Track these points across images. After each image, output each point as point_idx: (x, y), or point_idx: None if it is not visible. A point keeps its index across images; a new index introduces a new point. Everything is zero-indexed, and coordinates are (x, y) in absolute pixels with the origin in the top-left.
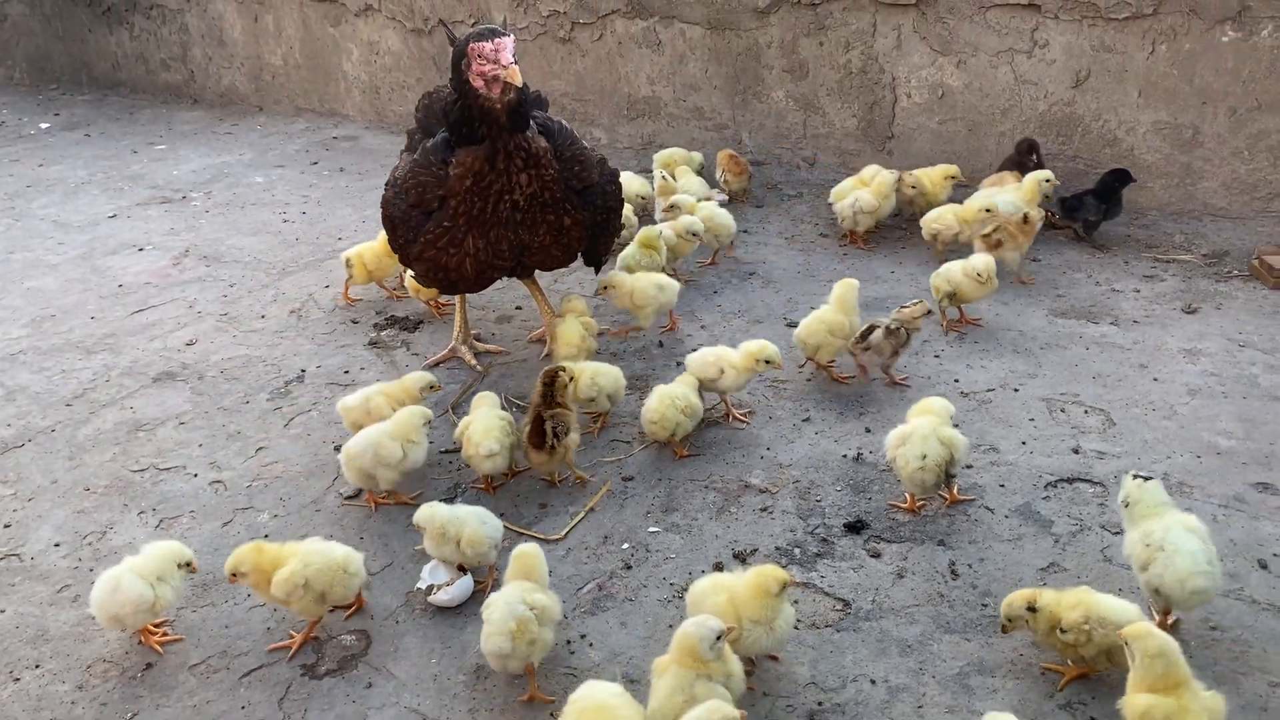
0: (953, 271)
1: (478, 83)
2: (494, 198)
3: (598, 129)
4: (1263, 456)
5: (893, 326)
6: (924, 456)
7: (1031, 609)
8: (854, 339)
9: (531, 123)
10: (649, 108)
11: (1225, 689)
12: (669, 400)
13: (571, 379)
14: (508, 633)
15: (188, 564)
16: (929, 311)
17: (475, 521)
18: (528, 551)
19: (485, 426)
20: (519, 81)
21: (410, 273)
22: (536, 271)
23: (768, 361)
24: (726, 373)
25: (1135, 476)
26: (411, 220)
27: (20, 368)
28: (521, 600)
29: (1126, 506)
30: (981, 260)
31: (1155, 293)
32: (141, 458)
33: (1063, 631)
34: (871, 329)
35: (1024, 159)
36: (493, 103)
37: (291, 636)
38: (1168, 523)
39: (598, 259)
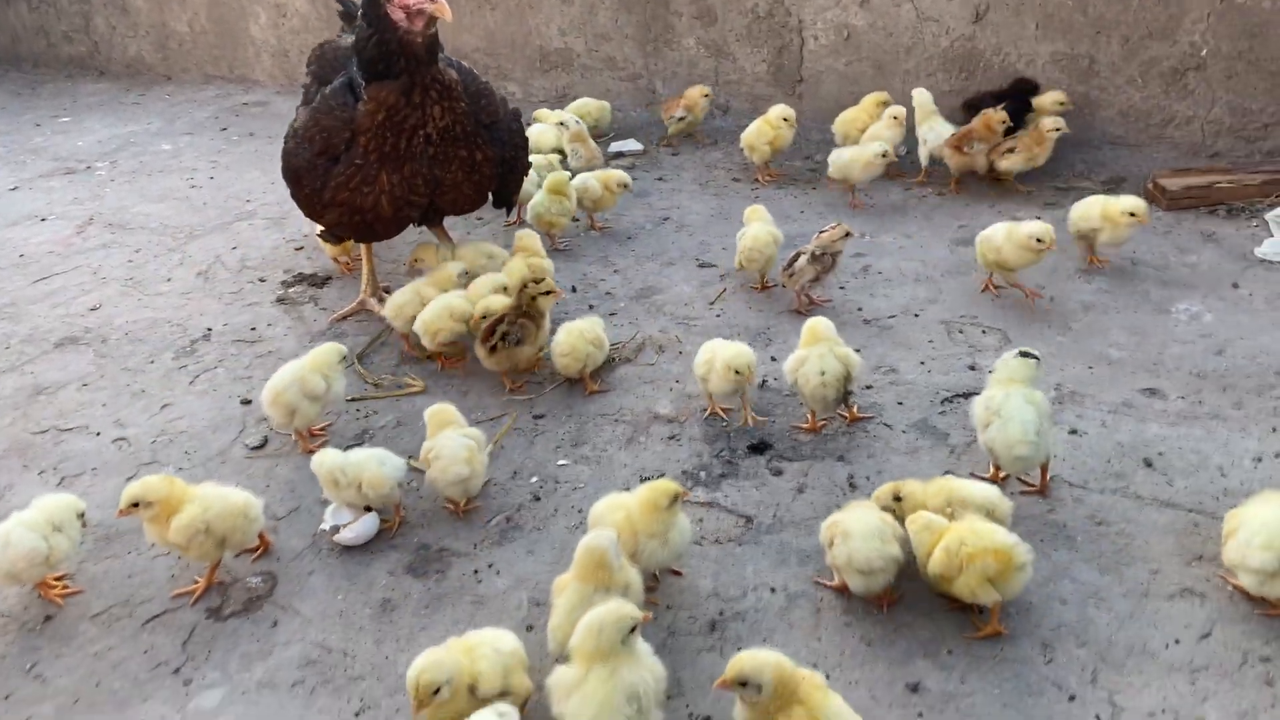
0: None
1: (398, 15)
2: (408, 132)
3: (511, 83)
4: (1150, 364)
5: (816, 252)
6: (823, 373)
7: (897, 498)
8: (782, 267)
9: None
10: (562, 60)
11: (1110, 578)
12: (577, 334)
13: (549, 292)
14: (463, 460)
15: (81, 515)
16: (848, 233)
17: (374, 464)
18: (440, 407)
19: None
20: (449, 16)
21: (318, 229)
22: (446, 220)
23: (737, 372)
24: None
25: (1021, 354)
26: (318, 168)
27: None
28: (462, 434)
29: (991, 373)
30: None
31: (1055, 219)
32: (42, 420)
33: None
34: (797, 256)
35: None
36: (414, 36)
37: (196, 582)
38: (1011, 392)
39: (508, 198)
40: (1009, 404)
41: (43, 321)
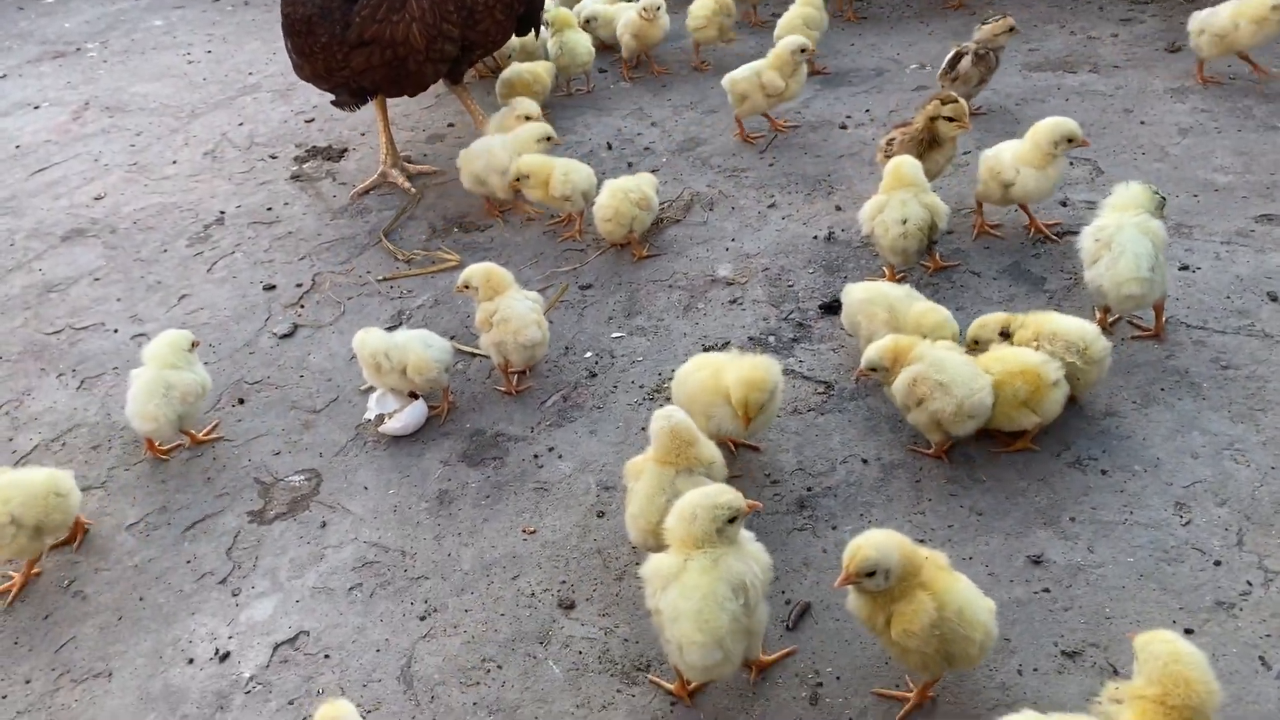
0: None
1: None
2: None
3: None
4: (1264, 189)
5: (980, 51)
6: (904, 221)
7: (1006, 334)
8: (940, 71)
9: None
10: None
11: (1244, 426)
12: (621, 194)
13: (955, 120)
14: (534, 322)
15: (194, 345)
16: (1012, 28)
17: (419, 346)
18: (493, 268)
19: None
20: None
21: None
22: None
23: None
24: None
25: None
26: (333, 9)
27: None
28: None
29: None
30: None
31: (1134, 35)
32: (55, 319)
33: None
34: (959, 56)
35: None
36: None
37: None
38: (1125, 221)
39: (535, 20)
40: (1121, 236)
41: (46, 215)
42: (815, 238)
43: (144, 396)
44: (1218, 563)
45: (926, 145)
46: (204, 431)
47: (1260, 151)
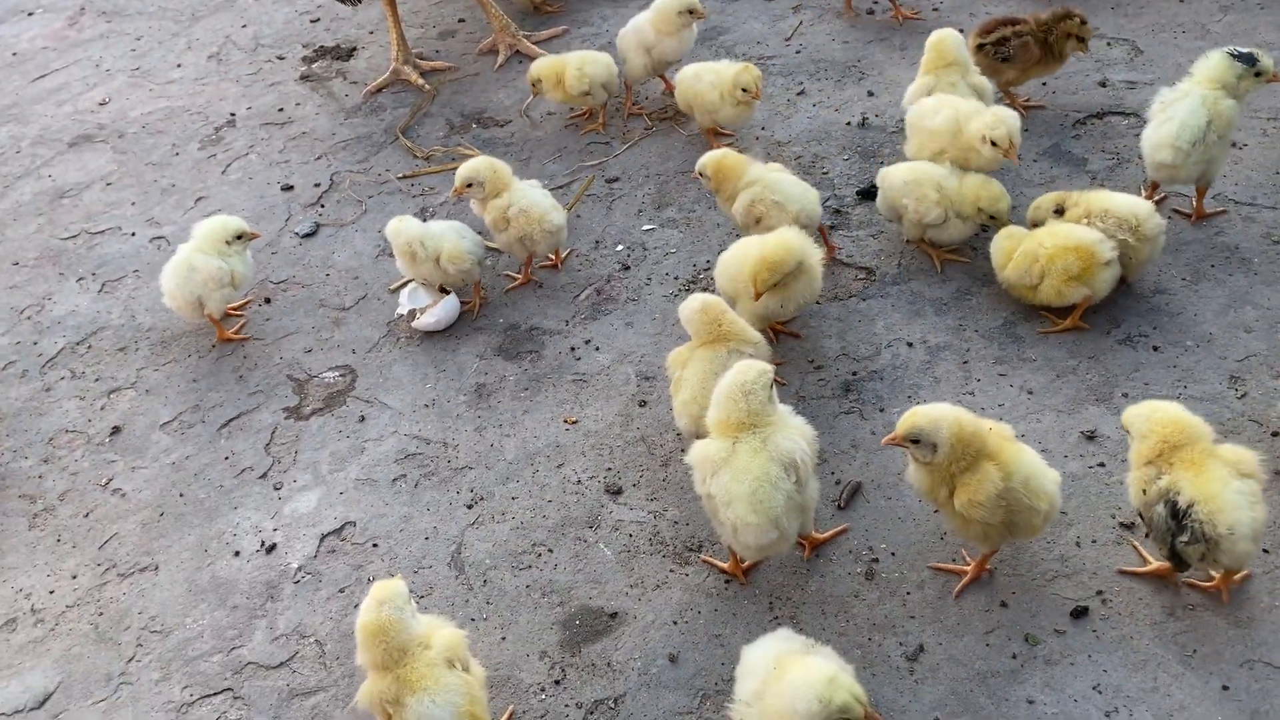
0: None
1: None
2: None
3: None
4: None
5: None
6: None
7: (1060, 210)
8: None
9: None
10: None
11: None
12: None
13: (1084, 40)
14: (554, 206)
15: (240, 235)
16: None
17: (454, 236)
18: (493, 163)
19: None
20: None
21: None
22: None
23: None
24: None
25: (1230, 54)
26: None
27: None
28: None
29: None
30: None
31: None
32: (70, 224)
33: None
34: None
35: None
36: None
37: None
38: (1194, 92)
39: None
40: (1182, 104)
41: (51, 121)
42: (848, 124)
43: (168, 274)
44: (1275, 434)
45: (1038, 57)
46: (233, 330)
47: None
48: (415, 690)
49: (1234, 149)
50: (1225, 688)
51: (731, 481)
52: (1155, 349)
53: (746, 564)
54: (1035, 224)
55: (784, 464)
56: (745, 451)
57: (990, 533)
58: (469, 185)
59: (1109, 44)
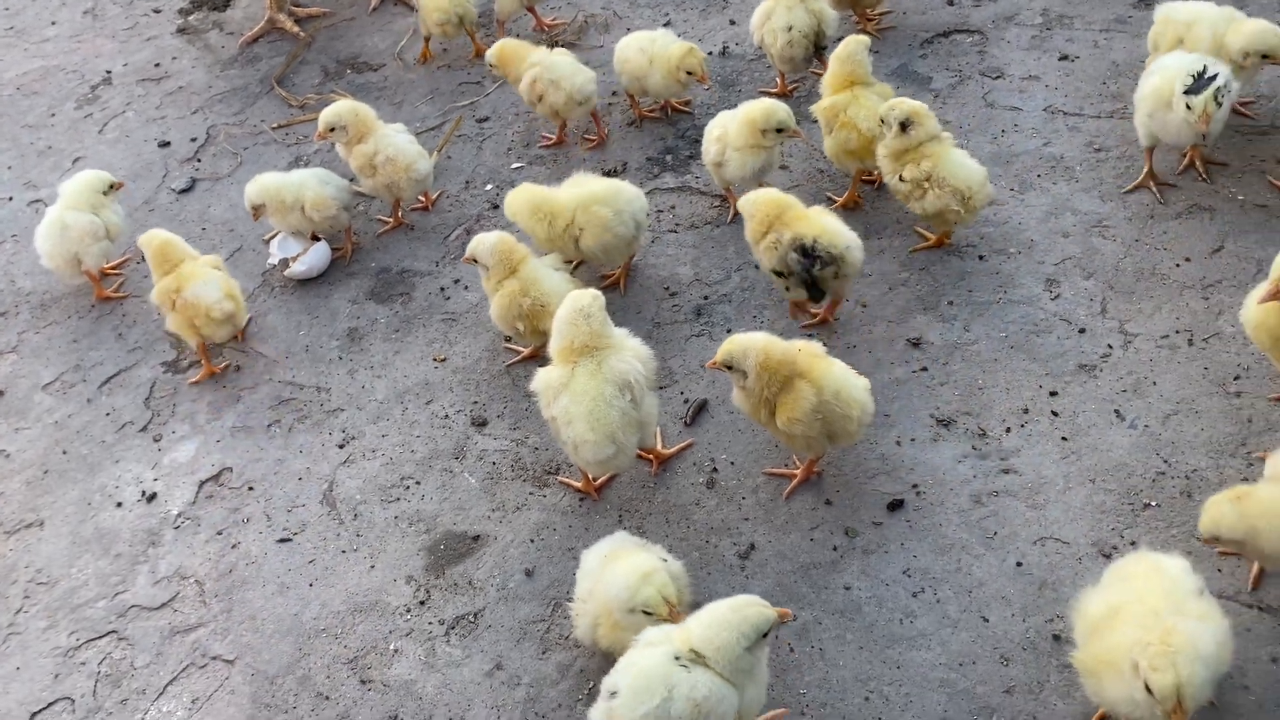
0: None
1: None
2: None
3: None
4: None
5: None
6: (790, 28)
7: (905, 126)
8: None
9: None
10: None
11: (1113, 204)
12: None
13: None
14: (420, 153)
15: (111, 186)
16: None
17: (315, 183)
18: (356, 106)
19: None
20: None
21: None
22: None
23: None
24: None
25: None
26: None
27: None
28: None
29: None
30: None
31: None
32: None
33: (901, 180)
34: None
35: None
36: None
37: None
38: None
39: None
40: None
41: None
42: (710, 53)
43: (41, 236)
44: (1082, 330)
45: None
46: (112, 288)
47: None
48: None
49: (1065, 61)
50: (1019, 564)
51: (571, 403)
52: (981, 258)
53: (598, 481)
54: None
55: (618, 384)
56: (583, 375)
57: (812, 443)
58: (331, 130)
59: None
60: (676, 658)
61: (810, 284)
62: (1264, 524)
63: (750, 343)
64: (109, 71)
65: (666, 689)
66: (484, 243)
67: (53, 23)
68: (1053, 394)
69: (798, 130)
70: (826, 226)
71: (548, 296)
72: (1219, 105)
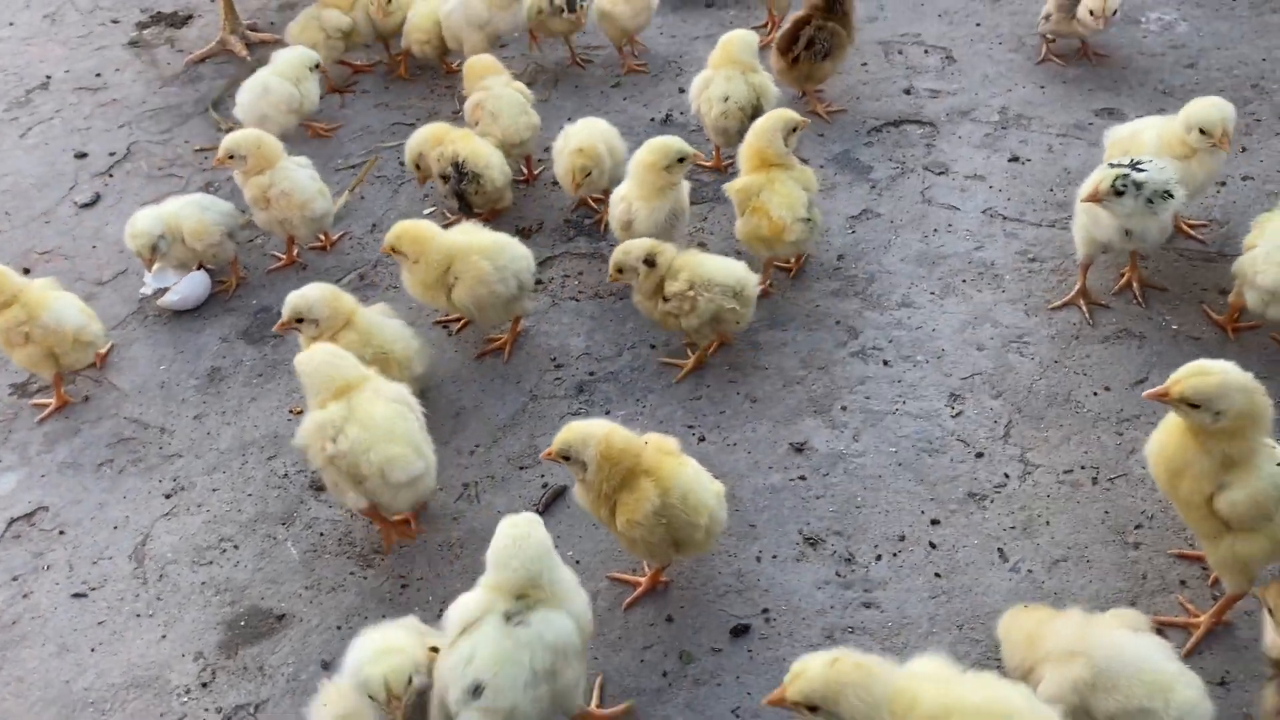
0: None
1: None
2: None
3: None
4: (1111, 83)
5: None
6: (726, 99)
7: (650, 262)
8: None
9: None
10: None
11: (1037, 319)
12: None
13: None
14: (319, 191)
15: (315, 66)
16: None
17: (195, 211)
18: (259, 136)
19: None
20: None
21: None
22: None
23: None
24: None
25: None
26: None
27: None
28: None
29: None
30: None
31: None
32: None
33: (665, 300)
34: None
35: None
36: None
37: None
38: None
39: None
40: None
41: None
42: (653, 120)
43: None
44: (980, 454)
45: (845, 35)
46: None
47: (1117, 44)
48: None
49: (1015, 162)
50: None
51: (361, 430)
52: (886, 363)
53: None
54: (620, 268)
55: (401, 401)
56: (363, 402)
57: (654, 550)
58: (230, 157)
59: (925, 51)
60: (507, 617)
61: (461, 199)
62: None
63: (590, 431)
64: (49, 77)
65: (528, 654)
66: (307, 296)
67: (10, 24)
68: (934, 522)
69: (698, 154)
70: (477, 148)
71: (390, 344)
72: (1158, 200)
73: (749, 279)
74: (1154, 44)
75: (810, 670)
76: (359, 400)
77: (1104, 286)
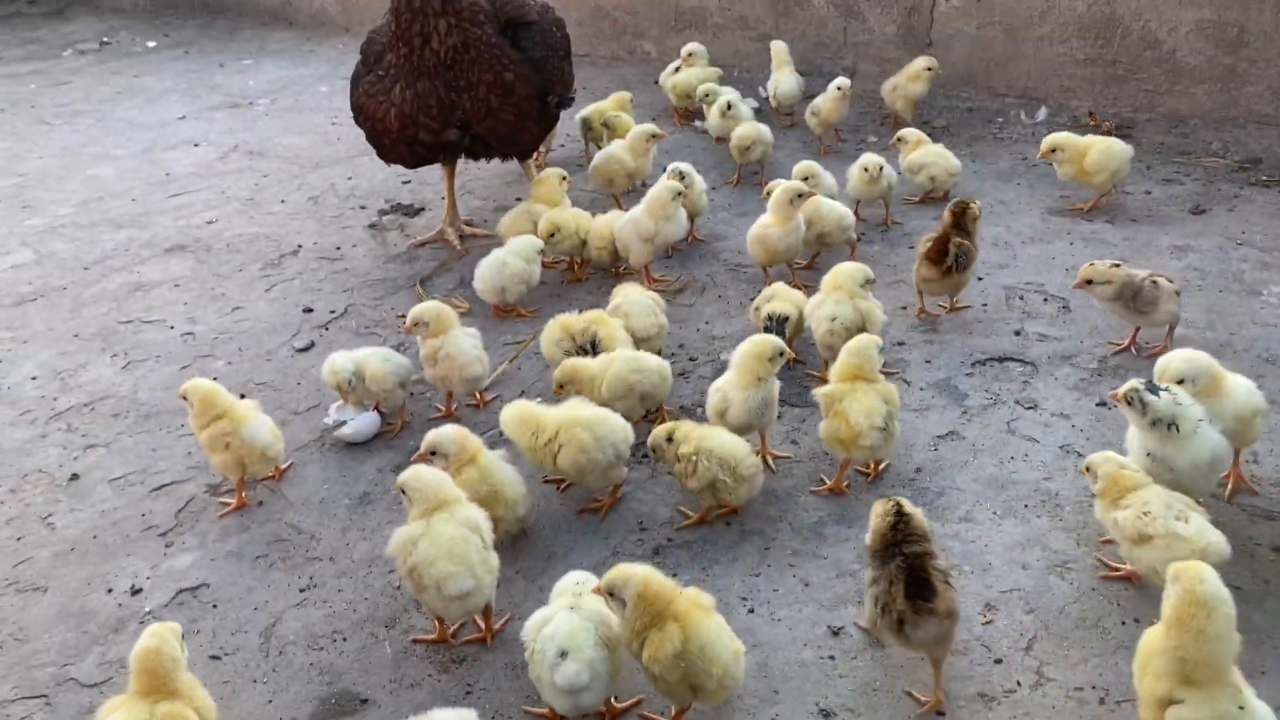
0: None
1: None
2: (417, 41)
3: (647, 42)
4: (1217, 345)
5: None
6: (834, 319)
7: (670, 439)
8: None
9: None
10: (695, 18)
11: (1084, 550)
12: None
13: (978, 212)
14: (476, 359)
15: (541, 252)
16: None
17: (378, 360)
18: (440, 307)
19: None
20: None
21: None
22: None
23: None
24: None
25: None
26: (359, 76)
27: (56, 238)
28: (467, 334)
29: None
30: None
31: (1167, 195)
32: (131, 312)
33: (678, 460)
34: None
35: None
36: None
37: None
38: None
39: (553, 88)
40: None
41: (163, 230)
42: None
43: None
44: (999, 660)
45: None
46: None
47: (1232, 312)
48: None
49: (1102, 407)
50: None
51: (430, 545)
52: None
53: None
54: (654, 448)
55: (471, 525)
56: (438, 521)
57: (673, 690)
58: (415, 324)
59: (1045, 300)
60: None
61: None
62: None
63: (632, 573)
64: (299, 245)
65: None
66: (441, 433)
67: (282, 201)
68: (940, 715)
69: (791, 352)
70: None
71: (502, 485)
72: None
73: (746, 459)
74: (1269, 315)
75: None
76: (436, 519)
77: None
